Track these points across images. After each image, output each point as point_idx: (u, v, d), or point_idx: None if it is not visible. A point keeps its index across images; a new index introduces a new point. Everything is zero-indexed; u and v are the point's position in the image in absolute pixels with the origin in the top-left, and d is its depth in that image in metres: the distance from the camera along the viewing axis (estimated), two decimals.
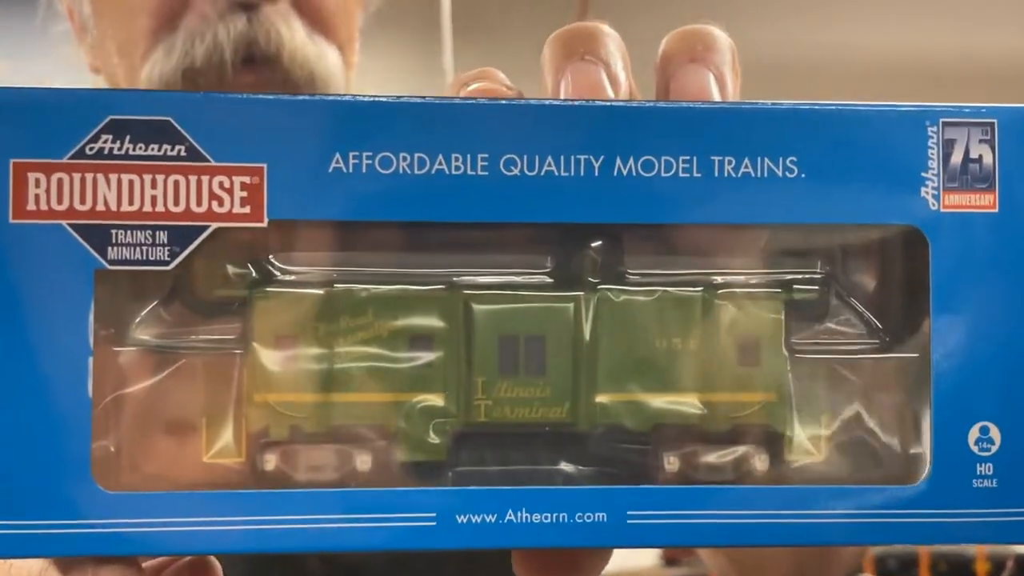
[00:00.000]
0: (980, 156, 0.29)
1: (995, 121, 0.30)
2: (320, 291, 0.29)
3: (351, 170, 0.28)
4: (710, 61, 0.32)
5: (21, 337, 0.27)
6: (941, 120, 0.29)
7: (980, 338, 0.29)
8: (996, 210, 0.29)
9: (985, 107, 0.30)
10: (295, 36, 0.68)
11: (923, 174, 0.29)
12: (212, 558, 0.32)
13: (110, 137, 0.27)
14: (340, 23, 0.72)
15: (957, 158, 0.29)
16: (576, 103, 0.29)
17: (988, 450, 0.29)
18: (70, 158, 0.27)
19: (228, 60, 0.67)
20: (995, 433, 0.29)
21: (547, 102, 0.29)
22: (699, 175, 0.29)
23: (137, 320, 0.29)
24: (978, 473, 0.29)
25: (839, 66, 3.98)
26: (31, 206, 0.27)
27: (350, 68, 0.72)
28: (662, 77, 0.32)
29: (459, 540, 0.28)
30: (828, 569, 0.67)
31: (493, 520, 0.28)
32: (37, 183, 0.27)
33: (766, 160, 0.29)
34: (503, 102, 0.29)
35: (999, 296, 0.29)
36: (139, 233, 0.28)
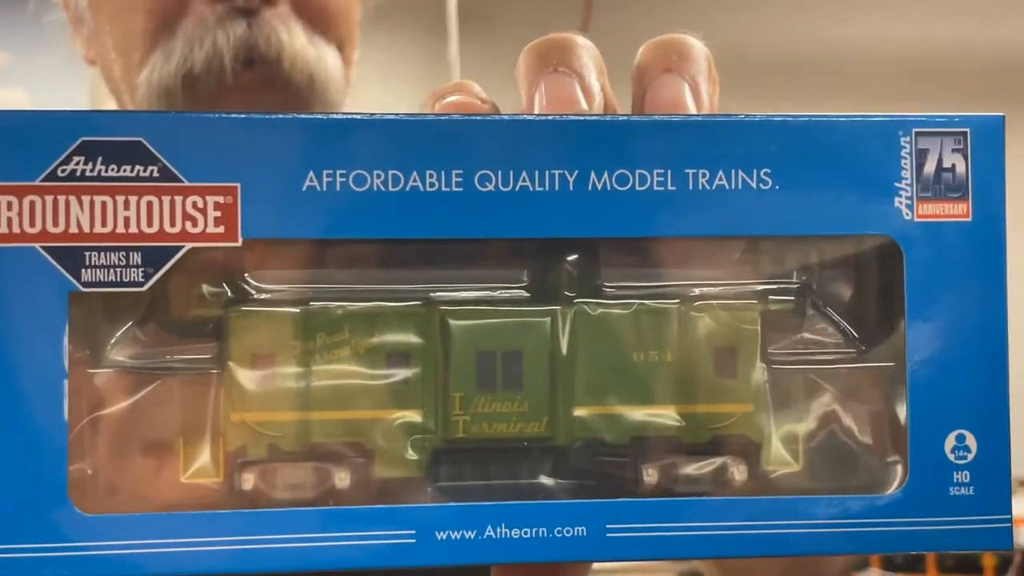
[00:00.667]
0: (953, 165, 0.30)
1: (968, 131, 0.30)
2: (296, 309, 0.29)
3: (325, 188, 0.28)
4: (685, 71, 0.32)
5: None
6: (914, 130, 0.30)
7: (955, 346, 0.29)
8: (970, 219, 0.30)
9: (958, 117, 0.30)
10: (295, 40, 0.68)
11: (896, 184, 0.29)
12: None
13: (82, 159, 0.27)
14: (340, 22, 0.71)
15: (930, 168, 0.30)
16: (549, 118, 0.29)
17: (964, 458, 0.29)
18: (42, 180, 0.27)
19: (228, 66, 0.66)
20: (971, 441, 0.29)
21: (520, 117, 0.29)
22: (673, 188, 0.29)
23: (112, 341, 0.29)
24: (955, 481, 0.29)
25: (839, 61, 4.02)
26: (3, 229, 0.27)
27: (350, 66, 0.72)
28: (638, 88, 0.32)
29: (439, 557, 0.28)
30: (818, 572, 0.67)
31: (473, 536, 0.28)
32: (9, 206, 0.27)
33: (740, 172, 0.29)
34: (477, 118, 0.29)
35: (973, 305, 0.29)
36: (113, 255, 0.27)
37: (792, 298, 0.31)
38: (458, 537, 0.28)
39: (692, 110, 0.31)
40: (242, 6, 0.67)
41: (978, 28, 4.05)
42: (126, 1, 0.69)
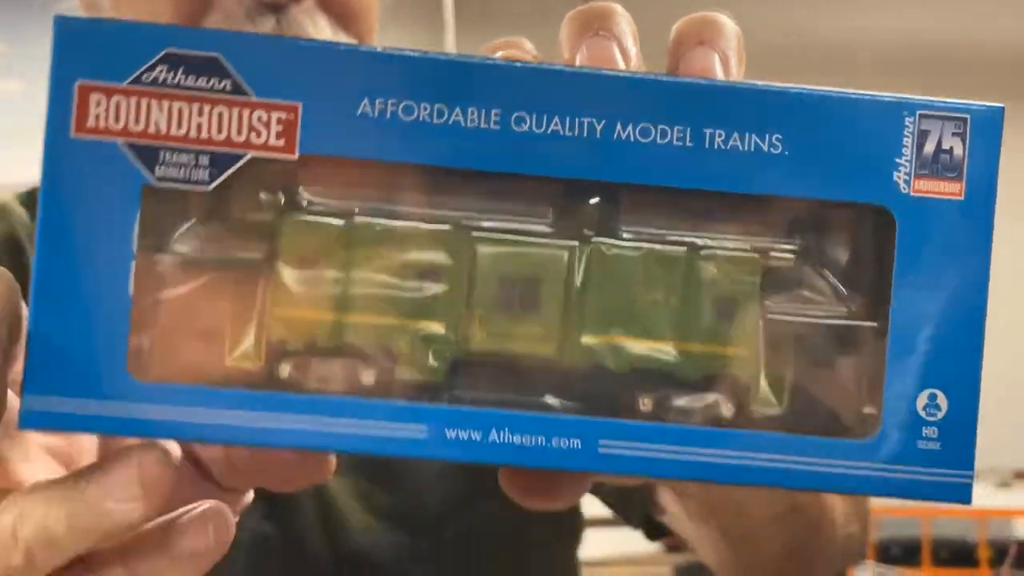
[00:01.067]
0: (951, 148, 0.32)
1: (968, 117, 0.32)
2: (340, 221, 0.32)
3: (376, 114, 0.31)
4: (717, 45, 0.35)
5: (75, 239, 0.31)
6: (919, 112, 0.32)
7: (936, 313, 0.32)
8: (962, 198, 0.32)
9: (961, 103, 0.32)
10: (321, 35, 0.70)
11: (897, 160, 0.32)
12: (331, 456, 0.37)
13: (165, 67, 0.31)
14: (362, 19, 0.74)
15: (930, 148, 0.32)
16: (584, 70, 0.32)
17: (934, 415, 0.32)
18: (129, 83, 0.31)
19: None
20: (942, 400, 0.32)
21: (558, 67, 0.32)
22: (691, 144, 0.32)
23: (177, 234, 0.32)
24: (923, 435, 0.32)
25: (845, 50, 4.04)
26: (91, 123, 0.31)
27: None
28: (672, 59, 0.35)
29: (446, 453, 0.31)
30: (816, 555, 0.70)
31: (478, 438, 0.31)
32: (98, 103, 0.31)
33: (753, 136, 0.32)
34: (518, 64, 0.32)
35: (956, 276, 0.32)
36: (184, 155, 0.31)
37: (791, 256, 0.33)
38: (465, 437, 0.31)
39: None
40: (270, 1, 0.69)
41: (974, 23, 4.08)
42: None
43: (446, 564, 0.74)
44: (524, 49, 0.35)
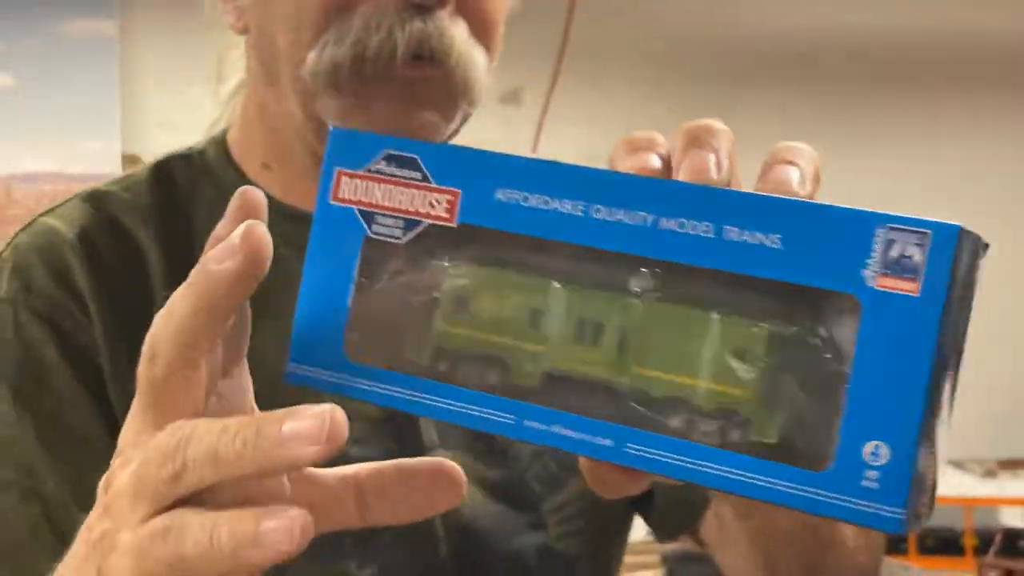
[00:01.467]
0: (912, 255, 0.41)
1: (930, 232, 0.41)
2: (483, 269, 0.48)
3: (506, 200, 0.46)
4: (799, 163, 0.45)
5: (325, 264, 0.49)
6: (888, 224, 0.41)
7: (886, 380, 0.41)
8: (918, 296, 0.41)
9: (924, 220, 0.41)
10: (463, 41, 0.75)
11: (867, 260, 0.41)
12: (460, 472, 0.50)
13: (384, 162, 0.48)
14: (493, 30, 0.79)
15: (894, 253, 0.41)
16: (640, 178, 0.45)
17: (876, 462, 0.41)
18: (363, 171, 0.49)
19: (400, 56, 0.73)
20: (884, 451, 0.41)
21: (625, 175, 0.45)
22: (712, 236, 0.43)
23: (381, 269, 0.49)
24: (866, 476, 0.41)
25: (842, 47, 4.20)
26: (341, 195, 0.49)
27: (489, 73, 0.78)
28: (764, 167, 0.46)
29: (524, 436, 0.46)
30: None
31: (544, 428, 0.45)
32: (346, 183, 0.49)
33: (758, 233, 0.43)
34: (592, 171, 0.45)
35: (905, 353, 0.41)
36: (389, 219, 0.48)
37: (795, 327, 0.44)
38: (537, 427, 0.45)
39: (796, 192, 0.45)
40: (419, 2, 0.73)
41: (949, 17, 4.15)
42: None
43: (542, 535, 0.82)
44: (655, 147, 0.47)
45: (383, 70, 0.74)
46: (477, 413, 0.47)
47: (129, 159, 3.46)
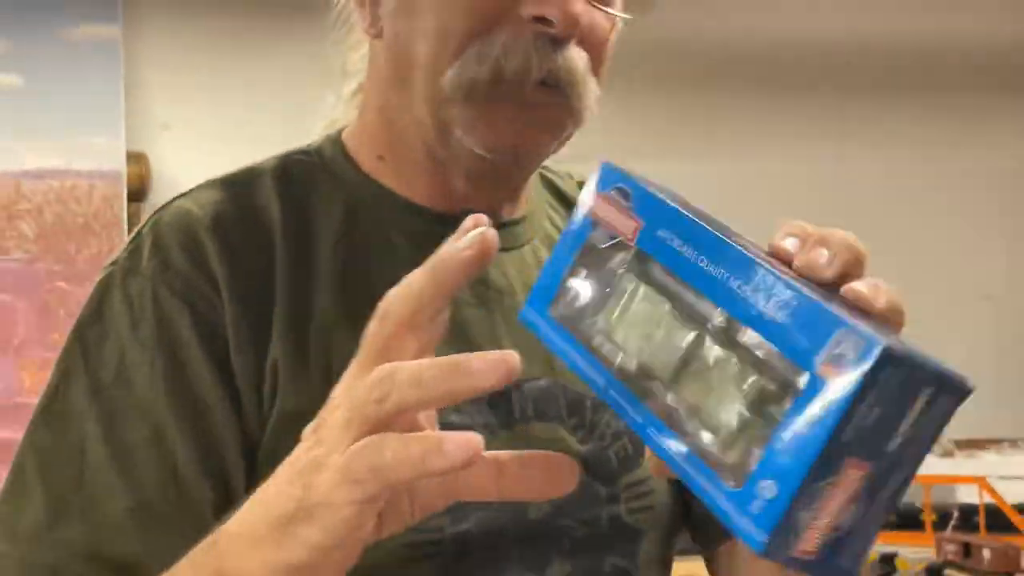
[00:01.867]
0: (847, 354, 0.47)
1: (864, 340, 0.47)
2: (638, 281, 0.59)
3: (663, 236, 0.57)
4: (831, 250, 0.53)
5: (561, 250, 0.62)
6: (841, 329, 0.48)
7: (795, 442, 0.49)
8: (840, 386, 0.47)
9: (872, 336, 0.47)
10: (586, 73, 0.79)
11: (820, 350, 0.49)
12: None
13: (615, 192, 0.60)
14: (604, 64, 0.82)
15: (837, 350, 0.48)
16: (736, 250, 0.54)
17: (765, 495, 0.49)
18: (606, 192, 0.61)
19: (532, 82, 0.77)
20: (772, 487, 0.49)
21: (735, 250, 0.54)
22: (756, 307, 0.52)
23: (586, 260, 0.61)
24: (755, 502, 0.49)
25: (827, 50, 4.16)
26: (593, 209, 0.61)
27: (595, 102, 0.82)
28: (801, 241, 0.55)
29: (606, 398, 0.58)
30: None
31: (617, 398, 0.57)
32: (599, 202, 0.61)
33: (779, 314, 0.51)
34: (719, 242, 0.54)
35: (813, 426, 0.48)
36: (602, 231, 0.61)
37: (773, 385, 0.51)
38: (614, 397, 0.58)
39: (824, 274, 0.53)
40: (555, 35, 0.76)
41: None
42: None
43: (616, 507, 0.86)
44: (807, 231, 0.53)
45: (514, 91, 0.78)
46: (594, 377, 0.59)
47: (133, 156, 3.61)
